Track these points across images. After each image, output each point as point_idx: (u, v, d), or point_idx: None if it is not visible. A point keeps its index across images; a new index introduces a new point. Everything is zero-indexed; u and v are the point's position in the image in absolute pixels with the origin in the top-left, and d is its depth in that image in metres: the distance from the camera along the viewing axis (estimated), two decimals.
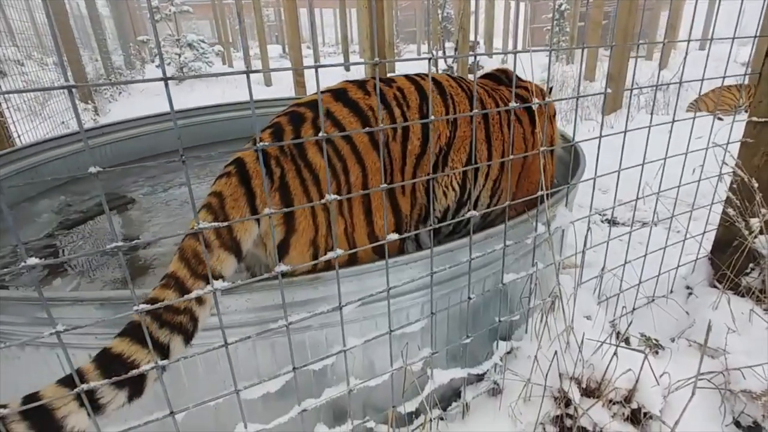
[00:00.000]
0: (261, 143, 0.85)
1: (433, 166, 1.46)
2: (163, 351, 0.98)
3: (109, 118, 7.83)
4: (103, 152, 3.56)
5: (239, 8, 12.60)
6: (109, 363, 0.91)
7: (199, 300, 1.03)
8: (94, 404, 0.88)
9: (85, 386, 0.84)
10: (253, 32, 17.93)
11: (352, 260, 1.31)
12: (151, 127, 3.78)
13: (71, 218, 2.53)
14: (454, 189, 1.57)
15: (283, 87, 10.85)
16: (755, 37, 1.77)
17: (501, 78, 1.87)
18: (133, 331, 0.96)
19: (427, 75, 1.51)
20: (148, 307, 0.87)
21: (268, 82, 11.73)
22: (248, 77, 0.82)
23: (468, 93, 1.58)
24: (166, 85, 0.78)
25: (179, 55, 12.59)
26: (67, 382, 0.88)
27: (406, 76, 1.52)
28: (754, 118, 1.73)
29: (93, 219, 2.53)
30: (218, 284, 0.93)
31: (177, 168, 3.24)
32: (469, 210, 1.66)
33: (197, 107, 4.05)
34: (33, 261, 0.73)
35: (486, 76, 1.90)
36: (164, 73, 0.78)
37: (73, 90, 0.70)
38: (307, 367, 1.13)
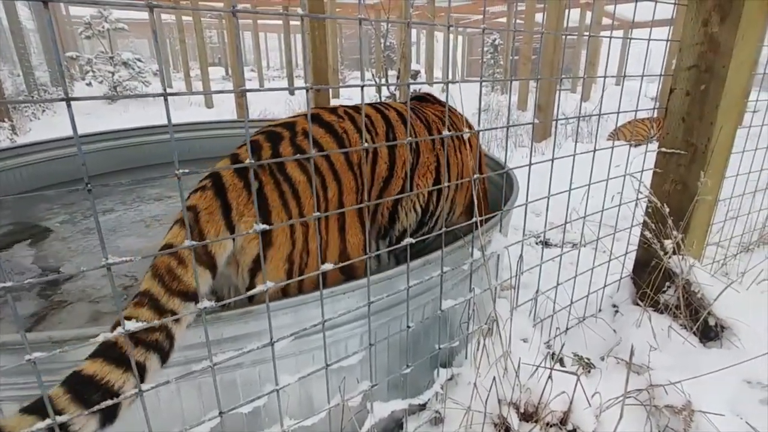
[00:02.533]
0: (249, 160, 0.80)
1: (400, 190, 1.53)
2: (140, 370, 0.91)
3: (29, 138, 7.20)
4: (17, 175, 3.23)
5: (180, 29, 12.26)
6: (81, 386, 0.84)
7: (173, 316, 0.97)
8: None
9: (60, 418, 0.73)
10: (194, 53, 17.49)
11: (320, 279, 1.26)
12: (73, 149, 3.50)
13: None
14: (415, 211, 1.66)
15: (225, 109, 10.58)
16: (660, 75, 1.96)
17: (428, 99, 2.03)
18: (105, 351, 0.89)
19: (389, 105, 1.68)
20: (41, 355, 0.76)
21: (209, 104, 11.41)
22: (166, 100, 0.77)
23: (425, 122, 1.72)
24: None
25: (113, 74, 11.96)
26: (32, 409, 0.78)
27: (371, 105, 1.63)
28: (663, 149, 1.90)
29: (4, 250, 2.25)
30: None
31: (99, 194, 3.00)
32: (432, 228, 1.77)
33: (125, 129, 3.82)
34: None
35: (416, 98, 2.06)
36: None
37: None
38: (236, 410, 1.05)
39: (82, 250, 2.21)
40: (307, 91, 0.93)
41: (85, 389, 0.84)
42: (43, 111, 9.90)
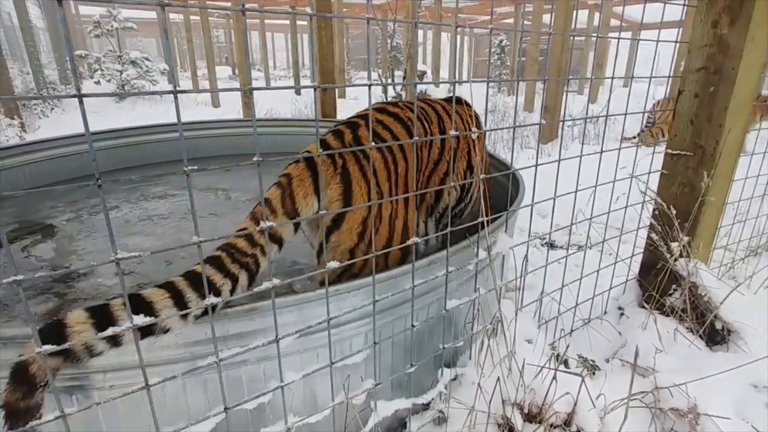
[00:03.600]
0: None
1: (446, 172, 1.76)
2: (234, 281, 1.15)
3: (37, 136, 7.28)
4: (25, 172, 3.26)
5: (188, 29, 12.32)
6: (196, 278, 1.07)
7: (263, 251, 1.21)
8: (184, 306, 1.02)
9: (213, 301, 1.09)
10: (202, 53, 17.58)
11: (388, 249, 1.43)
12: (82, 147, 3.52)
13: None
14: (456, 189, 1.90)
15: (231, 108, 10.63)
16: (669, 77, 1.95)
17: (459, 101, 2.19)
18: (213, 261, 1.14)
19: (434, 101, 1.92)
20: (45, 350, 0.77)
21: (216, 104, 11.47)
22: (176, 97, 0.78)
23: (459, 114, 1.97)
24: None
25: (121, 72, 12.05)
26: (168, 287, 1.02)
27: (421, 100, 1.89)
28: (670, 151, 1.89)
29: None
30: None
31: (105, 191, 3.01)
32: (466, 204, 2.00)
33: (131, 127, 3.84)
34: None
35: (448, 99, 2.18)
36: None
37: None
38: (240, 406, 1.06)
39: (91, 248, 2.21)
40: (315, 90, 0.94)
41: (200, 283, 1.05)
42: (52, 109, 10.00)
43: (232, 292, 1.13)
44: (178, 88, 0.76)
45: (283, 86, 0.88)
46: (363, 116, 1.60)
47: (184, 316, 1.02)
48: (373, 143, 1.07)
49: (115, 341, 0.94)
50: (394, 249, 1.40)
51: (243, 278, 1.17)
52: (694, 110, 1.80)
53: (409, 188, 1.55)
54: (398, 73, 14.32)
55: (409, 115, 1.65)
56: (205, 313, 1.03)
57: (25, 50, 11.09)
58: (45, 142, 3.40)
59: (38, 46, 11.93)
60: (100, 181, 0.74)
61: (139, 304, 0.97)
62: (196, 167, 0.82)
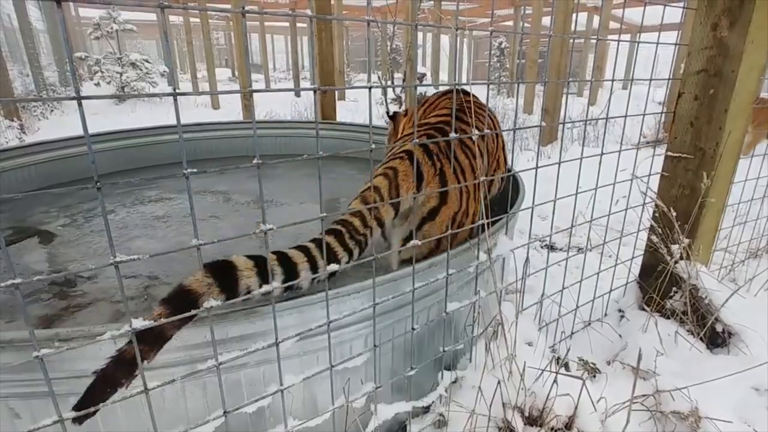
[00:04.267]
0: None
1: (495, 167, 2.01)
2: (350, 255, 1.35)
3: (37, 137, 7.27)
4: (20, 175, 3.25)
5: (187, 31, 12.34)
6: (321, 246, 1.24)
7: (371, 232, 1.43)
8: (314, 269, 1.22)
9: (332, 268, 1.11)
10: (201, 55, 17.59)
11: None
12: (80, 149, 3.50)
13: None
14: (499, 180, 2.14)
15: (231, 110, 10.64)
16: (669, 79, 1.95)
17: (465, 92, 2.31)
18: (334, 233, 1.33)
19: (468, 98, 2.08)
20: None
21: (215, 105, 11.48)
22: (175, 99, 0.78)
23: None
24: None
25: (120, 74, 12.06)
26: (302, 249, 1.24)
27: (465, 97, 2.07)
28: (670, 153, 1.89)
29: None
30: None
31: (97, 196, 2.97)
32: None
33: (130, 129, 3.82)
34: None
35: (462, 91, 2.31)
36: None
37: None
38: (240, 410, 1.05)
39: (93, 253, 2.17)
40: (315, 92, 0.93)
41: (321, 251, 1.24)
42: (52, 111, 10.00)
43: (347, 263, 1.34)
44: (177, 91, 0.76)
45: (282, 89, 0.88)
46: (446, 122, 1.84)
47: (314, 279, 1.22)
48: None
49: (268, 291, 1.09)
50: (462, 230, 1.63)
51: (355, 253, 1.37)
52: (694, 113, 1.80)
53: (477, 186, 1.75)
54: (398, 75, 14.33)
55: (484, 121, 1.87)
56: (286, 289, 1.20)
57: (25, 52, 11.10)
58: (43, 144, 3.38)
59: (38, 48, 11.93)
60: (99, 183, 0.73)
61: (285, 260, 1.18)
62: (195, 170, 0.82)
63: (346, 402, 1.24)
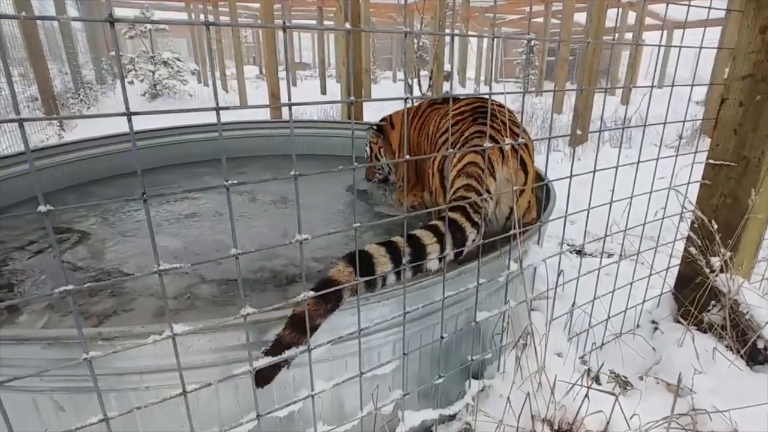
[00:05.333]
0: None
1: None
2: (477, 229, 1.37)
3: (76, 134, 7.56)
4: (63, 171, 3.38)
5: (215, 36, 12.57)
6: (451, 225, 1.29)
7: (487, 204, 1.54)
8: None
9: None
10: (230, 52, 17.91)
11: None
12: (115, 147, 3.62)
13: (13, 256, 2.19)
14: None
15: (258, 110, 10.80)
16: (710, 84, 1.88)
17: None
18: (459, 209, 1.37)
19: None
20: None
21: (243, 102, 11.67)
22: (218, 113, 0.80)
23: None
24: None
25: (153, 72, 12.41)
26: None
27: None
28: (712, 161, 1.82)
29: (42, 253, 2.22)
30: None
31: (125, 194, 3.04)
32: None
33: (169, 127, 3.94)
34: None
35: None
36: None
37: (38, 102, 0.66)
38: (272, 414, 1.07)
39: (132, 253, 2.23)
40: (351, 105, 0.94)
41: (454, 228, 1.32)
42: (89, 108, 10.38)
43: (474, 241, 1.36)
44: (220, 106, 0.78)
45: (323, 101, 0.89)
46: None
47: (440, 259, 1.27)
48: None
49: (398, 274, 1.20)
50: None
51: (482, 227, 1.39)
52: (738, 119, 1.72)
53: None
54: (424, 73, 14.25)
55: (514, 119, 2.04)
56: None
57: (64, 51, 11.55)
58: (80, 142, 3.50)
59: (76, 47, 12.38)
60: (145, 195, 0.76)
61: (415, 242, 1.22)
62: (236, 181, 0.84)
63: (375, 409, 1.25)
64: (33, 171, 0.68)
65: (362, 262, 1.09)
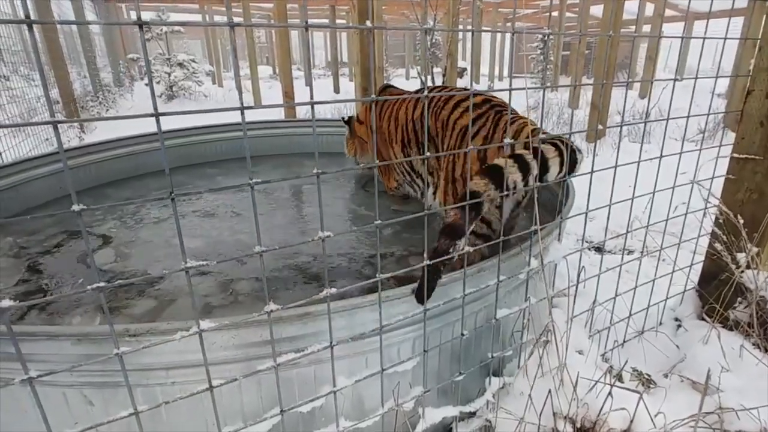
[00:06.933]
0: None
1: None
2: (532, 174, 1.37)
3: (96, 137, 7.71)
4: (86, 172, 3.46)
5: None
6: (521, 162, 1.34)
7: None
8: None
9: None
10: (244, 53, 18.08)
11: None
12: (135, 147, 3.67)
13: (40, 261, 2.20)
14: None
15: (272, 110, 10.88)
16: (734, 76, 1.83)
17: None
18: (516, 158, 1.35)
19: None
20: None
21: (257, 101, 11.77)
22: (242, 112, 0.81)
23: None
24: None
25: (169, 74, 12.60)
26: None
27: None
28: (737, 155, 1.77)
29: (66, 255, 2.24)
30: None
31: (142, 194, 3.08)
32: None
33: (190, 127, 3.99)
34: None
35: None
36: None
37: (59, 105, 0.68)
38: (295, 409, 1.09)
39: (156, 255, 2.23)
40: (375, 104, 0.94)
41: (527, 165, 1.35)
42: (107, 110, 10.59)
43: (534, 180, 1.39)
44: (245, 105, 0.79)
45: (345, 99, 0.90)
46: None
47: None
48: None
49: (526, 182, 1.33)
50: None
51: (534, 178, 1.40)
52: (765, 111, 1.68)
53: None
54: (437, 70, 14.18)
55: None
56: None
57: (83, 54, 11.79)
58: (93, 145, 3.55)
59: (95, 50, 12.63)
60: (173, 195, 0.78)
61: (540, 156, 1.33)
62: (260, 180, 0.85)
63: (396, 405, 1.26)
64: (66, 171, 0.70)
65: (494, 173, 1.25)
